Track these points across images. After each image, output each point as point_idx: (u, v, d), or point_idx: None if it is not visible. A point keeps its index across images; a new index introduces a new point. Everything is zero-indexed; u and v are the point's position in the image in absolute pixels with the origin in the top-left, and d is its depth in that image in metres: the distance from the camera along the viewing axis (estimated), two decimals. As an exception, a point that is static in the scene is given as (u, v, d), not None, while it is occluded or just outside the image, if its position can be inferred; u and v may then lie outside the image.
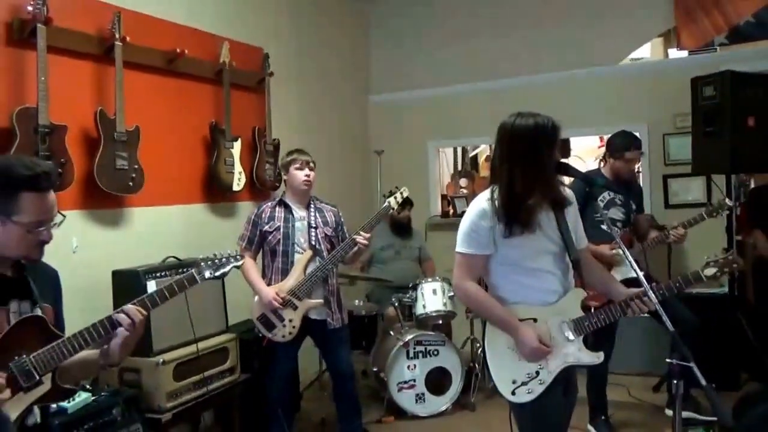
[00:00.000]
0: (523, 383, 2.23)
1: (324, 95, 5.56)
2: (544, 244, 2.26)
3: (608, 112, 5.37)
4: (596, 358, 2.30)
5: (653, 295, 2.16)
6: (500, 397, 2.29)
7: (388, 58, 6.26)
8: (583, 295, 2.32)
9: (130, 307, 1.88)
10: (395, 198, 3.73)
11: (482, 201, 2.28)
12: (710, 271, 2.08)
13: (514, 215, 2.18)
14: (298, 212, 3.61)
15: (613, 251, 3.65)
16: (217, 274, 2.09)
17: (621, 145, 3.75)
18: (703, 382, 1.96)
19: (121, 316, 1.85)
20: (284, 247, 3.53)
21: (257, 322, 3.53)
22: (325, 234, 3.61)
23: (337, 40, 5.84)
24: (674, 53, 5.56)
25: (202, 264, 2.07)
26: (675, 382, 2.06)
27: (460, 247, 2.32)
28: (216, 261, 2.11)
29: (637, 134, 5.53)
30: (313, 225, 3.59)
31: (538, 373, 2.23)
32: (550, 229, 2.26)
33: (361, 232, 3.51)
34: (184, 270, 3.30)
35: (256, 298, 3.54)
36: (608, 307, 2.32)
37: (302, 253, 3.53)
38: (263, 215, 3.57)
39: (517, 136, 2.20)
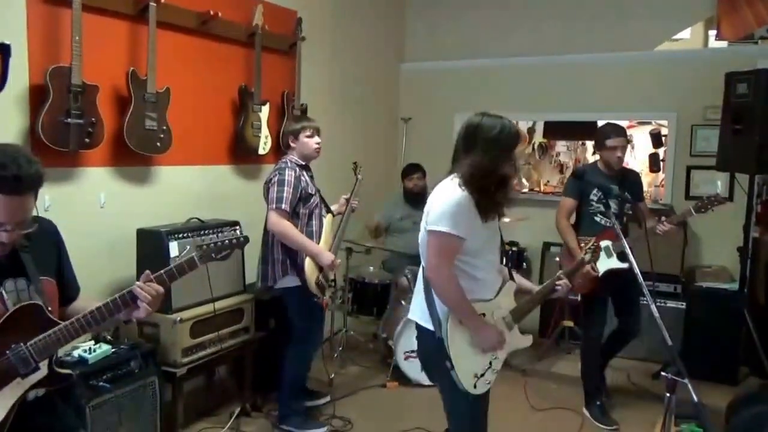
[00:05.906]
0: (482, 375, 2.36)
1: (356, 61, 5.53)
2: (496, 237, 2.43)
3: (638, 98, 5.30)
4: (528, 340, 2.57)
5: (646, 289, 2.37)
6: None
7: (423, 27, 6.18)
8: (515, 288, 2.54)
9: (138, 288, 1.84)
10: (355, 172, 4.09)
11: (456, 187, 2.26)
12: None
13: (484, 200, 2.26)
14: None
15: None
16: (219, 257, 1.98)
17: (602, 136, 3.85)
18: (696, 398, 2.04)
19: (142, 294, 1.83)
20: (319, 210, 3.61)
21: (316, 286, 3.51)
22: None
23: (372, 6, 5.78)
24: (713, 42, 5.42)
25: (205, 247, 1.94)
26: (668, 395, 2.14)
27: (444, 226, 2.21)
28: (219, 244, 1.97)
29: (665, 122, 5.53)
30: (319, 189, 3.67)
31: (491, 363, 2.39)
32: (495, 223, 2.41)
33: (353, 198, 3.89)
34: (205, 232, 3.46)
35: (308, 261, 3.47)
36: (533, 296, 2.61)
37: (325, 216, 3.65)
38: (301, 179, 3.52)
39: (483, 133, 2.32)
